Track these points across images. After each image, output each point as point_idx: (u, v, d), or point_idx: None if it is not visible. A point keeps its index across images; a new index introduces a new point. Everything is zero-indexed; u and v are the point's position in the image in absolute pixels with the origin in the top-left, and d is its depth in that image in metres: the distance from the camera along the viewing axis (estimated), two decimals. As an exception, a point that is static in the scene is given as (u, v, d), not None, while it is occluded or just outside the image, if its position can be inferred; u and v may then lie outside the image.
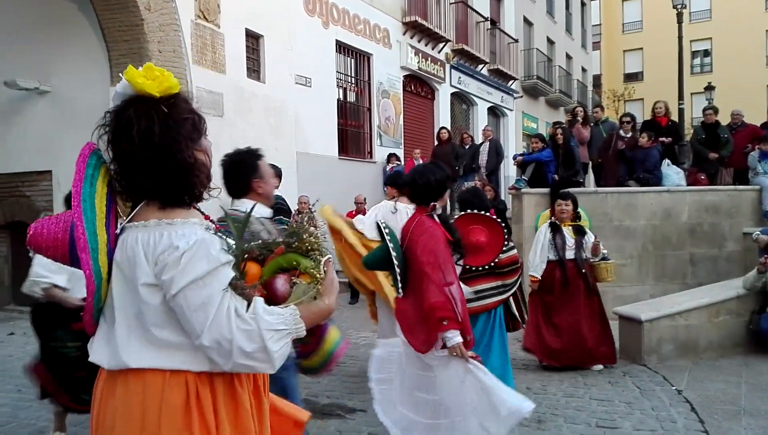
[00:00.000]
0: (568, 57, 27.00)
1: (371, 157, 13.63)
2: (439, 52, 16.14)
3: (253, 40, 9.97)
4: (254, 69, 10.05)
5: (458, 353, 2.93)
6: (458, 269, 3.34)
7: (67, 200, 5.26)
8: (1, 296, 9.19)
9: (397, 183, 5.49)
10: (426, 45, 15.60)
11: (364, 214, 9.13)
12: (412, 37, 14.96)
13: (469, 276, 4.24)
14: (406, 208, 4.50)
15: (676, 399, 4.85)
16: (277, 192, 3.32)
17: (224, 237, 1.50)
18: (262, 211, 2.83)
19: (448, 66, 16.73)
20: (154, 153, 1.47)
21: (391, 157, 13.51)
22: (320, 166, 11.37)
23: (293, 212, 8.70)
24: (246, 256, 1.55)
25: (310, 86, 11.36)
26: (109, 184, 1.56)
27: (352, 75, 13.40)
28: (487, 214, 4.33)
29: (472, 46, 17.62)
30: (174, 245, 1.42)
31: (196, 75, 8.64)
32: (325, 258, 1.55)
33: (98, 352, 1.54)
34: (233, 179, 2.84)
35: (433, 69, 15.94)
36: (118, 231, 1.55)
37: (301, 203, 9.14)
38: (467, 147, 12.14)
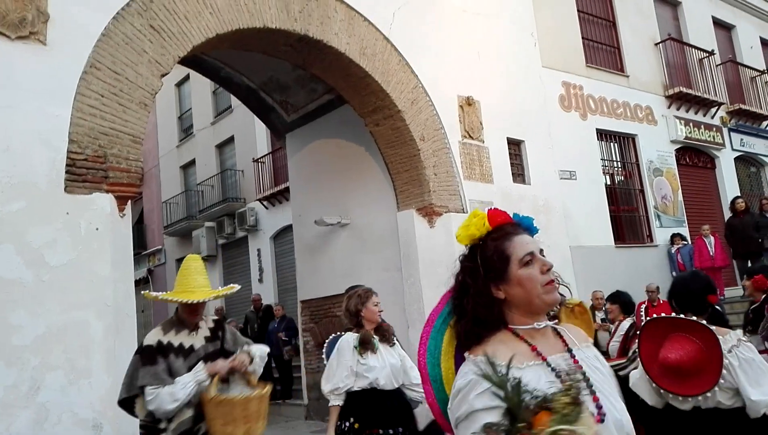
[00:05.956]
0: None
1: (651, 240, 12.74)
2: (712, 117, 14.83)
3: (514, 146, 10.39)
4: (518, 173, 10.40)
5: None
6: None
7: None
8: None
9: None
10: (696, 113, 14.50)
11: (659, 304, 8.53)
12: (678, 109, 14.06)
13: None
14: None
15: None
16: None
17: (504, 379, 1.37)
18: None
19: (725, 130, 15.24)
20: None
21: (675, 237, 12.51)
22: (596, 258, 11.01)
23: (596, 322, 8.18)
24: (544, 403, 1.33)
25: (575, 179, 11.29)
26: None
27: (618, 159, 12.98)
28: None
29: (750, 103, 15.87)
30: (456, 382, 1.51)
31: (467, 188, 9.25)
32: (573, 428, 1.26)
33: None
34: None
35: (709, 136, 14.64)
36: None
37: (596, 299, 8.88)
38: (769, 215, 10.71)
